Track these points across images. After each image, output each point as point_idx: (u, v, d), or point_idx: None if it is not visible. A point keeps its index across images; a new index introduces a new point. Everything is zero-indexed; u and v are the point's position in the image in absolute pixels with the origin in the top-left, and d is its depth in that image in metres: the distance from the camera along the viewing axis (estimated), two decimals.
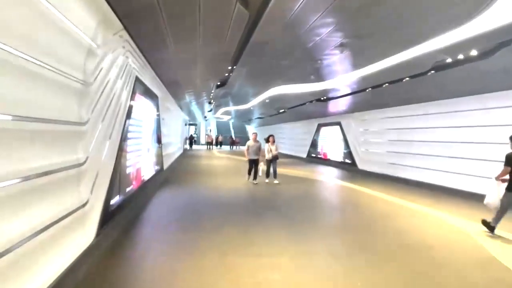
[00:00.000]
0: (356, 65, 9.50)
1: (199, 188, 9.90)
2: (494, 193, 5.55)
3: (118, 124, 5.09)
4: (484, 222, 5.97)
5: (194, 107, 24.22)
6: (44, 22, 2.97)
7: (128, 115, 5.80)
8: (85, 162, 3.87)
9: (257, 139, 11.34)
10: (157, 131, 9.86)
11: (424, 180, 11.37)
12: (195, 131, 45.82)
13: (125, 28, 5.15)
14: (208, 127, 45.90)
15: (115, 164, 4.93)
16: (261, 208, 7.62)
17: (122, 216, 5.45)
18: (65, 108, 3.47)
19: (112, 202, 4.95)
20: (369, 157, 15.16)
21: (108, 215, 4.68)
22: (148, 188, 8.18)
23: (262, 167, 11.36)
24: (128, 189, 5.89)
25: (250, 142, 11.17)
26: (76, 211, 3.60)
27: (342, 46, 7.61)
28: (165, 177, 11.26)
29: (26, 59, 2.67)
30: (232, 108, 26.33)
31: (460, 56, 7.34)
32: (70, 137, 3.63)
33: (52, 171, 3.15)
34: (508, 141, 5.66)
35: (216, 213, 6.77)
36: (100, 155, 4.39)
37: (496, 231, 5.85)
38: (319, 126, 21.66)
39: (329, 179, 13.20)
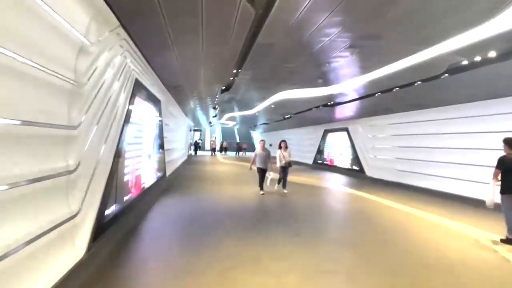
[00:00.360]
0: (366, 68, 9.15)
1: (201, 197, 9.55)
2: (491, 192, 5.66)
3: (114, 128, 4.78)
4: (503, 240, 5.67)
5: (199, 113, 23.97)
6: (30, 15, 2.68)
7: (127, 119, 5.50)
8: (76, 169, 3.55)
9: (265, 146, 10.62)
10: (159, 136, 9.56)
11: (435, 188, 10.91)
12: (200, 137, 45.55)
13: (122, 25, 4.86)
14: (213, 135, 45.46)
15: (110, 171, 4.61)
16: (267, 219, 7.25)
17: (118, 228, 5.11)
18: (54, 110, 3.16)
19: (107, 212, 4.62)
20: (378, 164, 14.73)
21: (102, 227, 4.35)
22: (149, 196, 7.85)
23: (271, 176, 10.57)
24: (126, 198, 5.56)
25: (258, 151, 10.46)
26: (64, 223, 3.27)
27: (351, 47, 7.27)
28: (167, 184, 10.94)
29: (9, 56, 2.37)
30: (237, 113, 26.05)
31: (477, 58, 6.96)
32: (60, 142, 3.32)
33: (38, 179, 2.84)
34: (502, 144, 5.80)
35: (219, 225, 6.40)
36: (93, 161, 4.07)
37: None
38: (326, 132, 21.27)
39: (337, 187, 12.79)
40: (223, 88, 12.68)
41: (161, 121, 9.83)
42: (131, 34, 5.40)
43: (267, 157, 10.31)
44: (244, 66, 9.10)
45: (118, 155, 4.97)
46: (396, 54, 7.74)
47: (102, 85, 4.21)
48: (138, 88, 6.26)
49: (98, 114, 4.17)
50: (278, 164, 10.44)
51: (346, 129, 17.95)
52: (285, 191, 10.42)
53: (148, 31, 5.61)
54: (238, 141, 48.97)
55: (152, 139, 8.21)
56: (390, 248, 5.26)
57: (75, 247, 3.53)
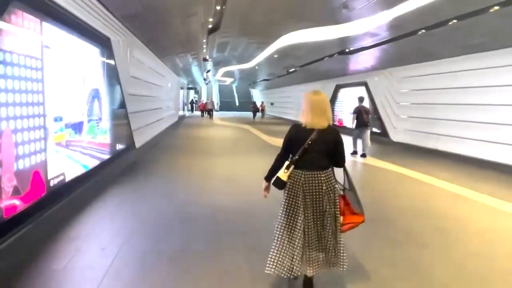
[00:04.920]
0: None
1: (185, 184, 6.46)
2: None
3: None
4: None
5: (191, 67, 20.56)
6: None
7: None
8: None
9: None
10: (112, 93, 6.57)
11: (490, 158, 8.15)
12: (196, 95, 42.72)
13: None
14: (208, 98, 39.52)
15: None
16: None
17: None
18: None
19: None
20: (408, 126, 11.80)
21: None
22: (76, 194, 4.55)
23: None
24: None
25: None
26: None
27: None
28: (133, 161, 7.95)
29: None
30: (233, 67, 22.72)
31: None
32: None
33: None
34: None
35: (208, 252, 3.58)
36: None
37: None
38: (338, 87, 18.10)
39: (357, 157, 9.83)
40: (210, 26, 9.44)
41: (115, 70, 6.79)
42: None
43: None
44: None
45: None
46: None
47: None
48: None
49: None
50: None
51: (365, 83, 14.81)
52: None
53: None
54: (236, 100, 45.28)
55: (87, 97, 5.21)
56: None
57: None
